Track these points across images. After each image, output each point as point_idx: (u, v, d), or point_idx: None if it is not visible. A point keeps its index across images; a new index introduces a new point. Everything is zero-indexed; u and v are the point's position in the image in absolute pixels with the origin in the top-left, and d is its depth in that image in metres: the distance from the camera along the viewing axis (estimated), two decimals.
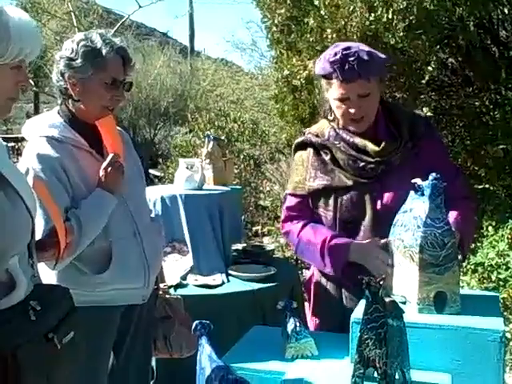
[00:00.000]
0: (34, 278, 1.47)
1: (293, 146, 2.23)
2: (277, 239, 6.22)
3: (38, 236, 1.64)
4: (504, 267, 3.57)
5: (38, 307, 1.35)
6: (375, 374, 1.46)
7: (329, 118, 2.10)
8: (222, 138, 5.73)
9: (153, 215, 2.33)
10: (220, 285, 3.11)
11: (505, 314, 3.29)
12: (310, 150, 2.12)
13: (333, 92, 2.00)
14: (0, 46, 1.40)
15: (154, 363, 2.41)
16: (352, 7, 3.99)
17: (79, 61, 1.95)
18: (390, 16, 3.83)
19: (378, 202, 2.00)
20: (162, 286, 2.34)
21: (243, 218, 5.59)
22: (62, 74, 1.99)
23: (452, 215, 1.92)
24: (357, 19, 3.97)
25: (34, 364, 1.29)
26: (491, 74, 4.32)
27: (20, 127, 2.24)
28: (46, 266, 1.81)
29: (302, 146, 2.16)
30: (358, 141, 2.02)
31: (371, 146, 2.00)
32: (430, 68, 4.01)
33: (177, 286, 3.03)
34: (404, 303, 1.69)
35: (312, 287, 2.21)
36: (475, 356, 1.57)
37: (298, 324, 1.81)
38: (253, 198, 7.04)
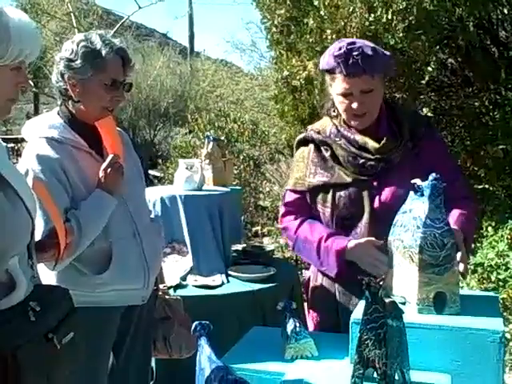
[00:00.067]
0: (33, 279, 1.47)
1: (295, 142, 2.23)
2: (276, 240, 6.22)
3: (38, 237, 1.64)
4: (503, 268, 3.57)
5: (37, 308, 1.36)
6: (375, 375, 1.46)
7: (332, 114, 2.10)
8: (222, 138, 5.72)
9: (152, 216, 2.33)
10: (220, 285, 3.11)
11: (504, 314, 3.29)
12: (311, 147, 2.13)
13: (336, 87, 2.00)
14: (0, 47, 1.40)
15: (153, 364, 2.41)
16: (352, 8, 3.99)
17: (79, 62, 1.96)
18: (389, 16, 3.83)
19: (376, 200, 2.00)
20: (161, 286, 2.34)
21: (243, 218, 5.59)
22: (62, 75, 1.99)
23: (454, 215, 1.92)
24: (356, 20, 3.97)
25: (33, 364, 1.29)
26: (491, 74, 4.32)
27: (20, 128, 2.24)
28: (46, 267, 1.81)
29: (304, 142, 2.17)
30: (359, 138, 2.03)
31: (371, 143, 2.01)
32: (429, 68, 4.00)
33: (176, 287, 3.03)
34: (404, 304, 1.69)
35: (310, 285, 2.22)
36: (475, 356, 1.57)
37: (297, 324, 1.81)
38: (252, 198, 7.04)
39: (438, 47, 4.19)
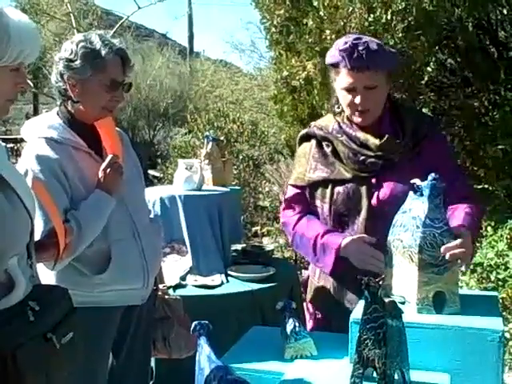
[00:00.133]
0: (32, 279, 1.47)
1: (297, 138, 2.24)
2: (276, 239, 6.23)
3: (37, 237, 1.64)
4: (503, 267, 3.57)
5: (36, 307, 1.35)
6: (374, 374, 1.46)
7: (336, 111, 2.10)
8: (221, 138, 5.73)
9: (152, 216, 2.33)
10: (219, 285, 3.11)
11: (504, 313, 3.29)
12: (313, 142, 2.13)
13: (340, 81, 2.00)
14: (0, 47, 1.40)
15: (153, 364, 2.41)
16: (351, 8, 3.99)
17: (78, 62, 1.96)
18: (388, 17, 3.83)
19: (374, 197, 2.00)
20: (161, 286, 2.34)
21: (242, 218, 5.60)
22: (62, 75, 1.99)
23: (458, 213, 1.91)
24: (356, 20, 3.97)
25: (33, 364, 1.29)
26: (490, 74, 4.32)
27: (19, 128, 2.24)
28: (45, 267, 1.81)
29: (306, 137, 2.18)
30: (361, 135, 2.03)
31: (372, 140, 2.01)
32: (429, 69, 4.01)
33: (176, 287, 3.03)
34: (403, 303, 1.69)
35: (309, 282, 2.23)
36: (474, 356, 1.57)
37: (297, 324, 1.81)
38: (252, 198, 7.04)
39: (437, 47, 4.20)
